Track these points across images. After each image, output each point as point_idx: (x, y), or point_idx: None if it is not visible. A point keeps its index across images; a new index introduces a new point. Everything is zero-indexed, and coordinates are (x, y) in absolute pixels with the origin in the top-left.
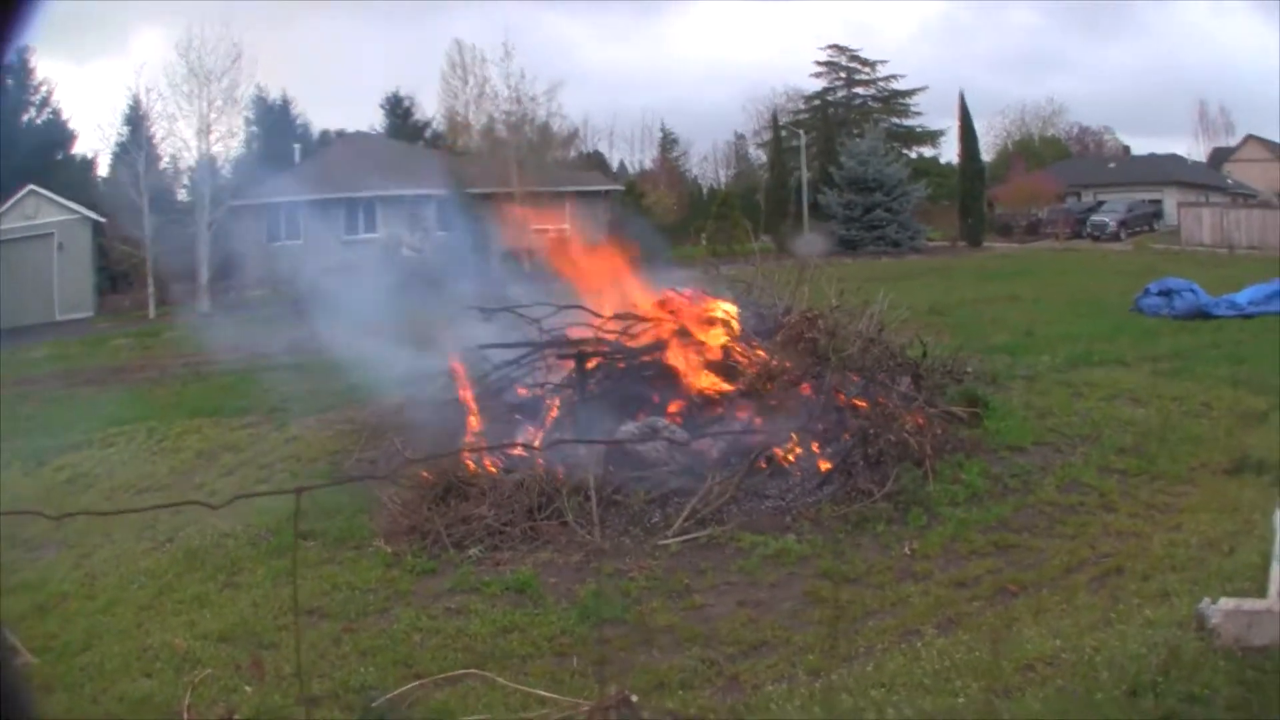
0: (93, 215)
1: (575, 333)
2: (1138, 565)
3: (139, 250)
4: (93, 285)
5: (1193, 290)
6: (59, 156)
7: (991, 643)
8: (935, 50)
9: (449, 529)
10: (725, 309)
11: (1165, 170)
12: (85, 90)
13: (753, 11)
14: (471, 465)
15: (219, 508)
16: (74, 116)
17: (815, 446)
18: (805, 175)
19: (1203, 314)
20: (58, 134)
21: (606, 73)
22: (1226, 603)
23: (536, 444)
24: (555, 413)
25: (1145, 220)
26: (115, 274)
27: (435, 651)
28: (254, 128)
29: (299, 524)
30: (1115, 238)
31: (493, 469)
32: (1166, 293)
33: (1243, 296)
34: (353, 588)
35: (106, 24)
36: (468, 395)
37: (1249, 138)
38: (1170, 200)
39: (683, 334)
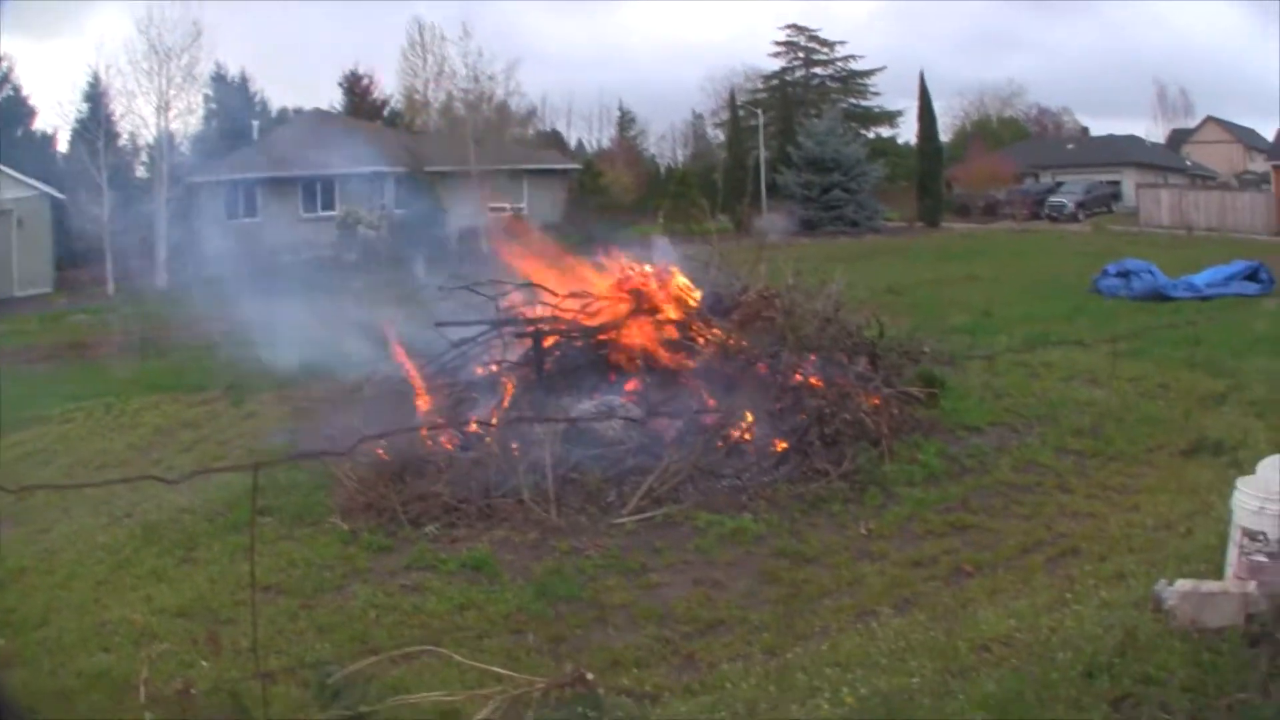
0: (52, 192)
1: (532, 311)
2: (1094, 546)
3: (98, 227)
4: (51, 261)
5: (1151, 272)
6: (18, 133)
7: (947, 623)
8: (894, 30)
9: (405, 506)
10: (682, 284)
11: (1124, 151)
12: (45, 66)
13: None
14: (429, 443)
15: (177, 483)
16: (33, 93)
17: (772, 426)
18: (763, 155)
19: (1161, 295)
20: (17, 110)
21: (564, 51)
22: (1183, 584)
23: (493, 419)
24: (512, 391)
25: (1103, 201)
26: (74, 250)
27: (391, 628)
28: (213, 105)
29: (257, 500)
30: (1073, 219)
31: (449, 447)
32: (1124, 274)
33: (1201, 278)
34: (310, 564)
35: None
36: (414, 374)
37: (1208, 119)
38: (1129, 181)
39: (639, 313)
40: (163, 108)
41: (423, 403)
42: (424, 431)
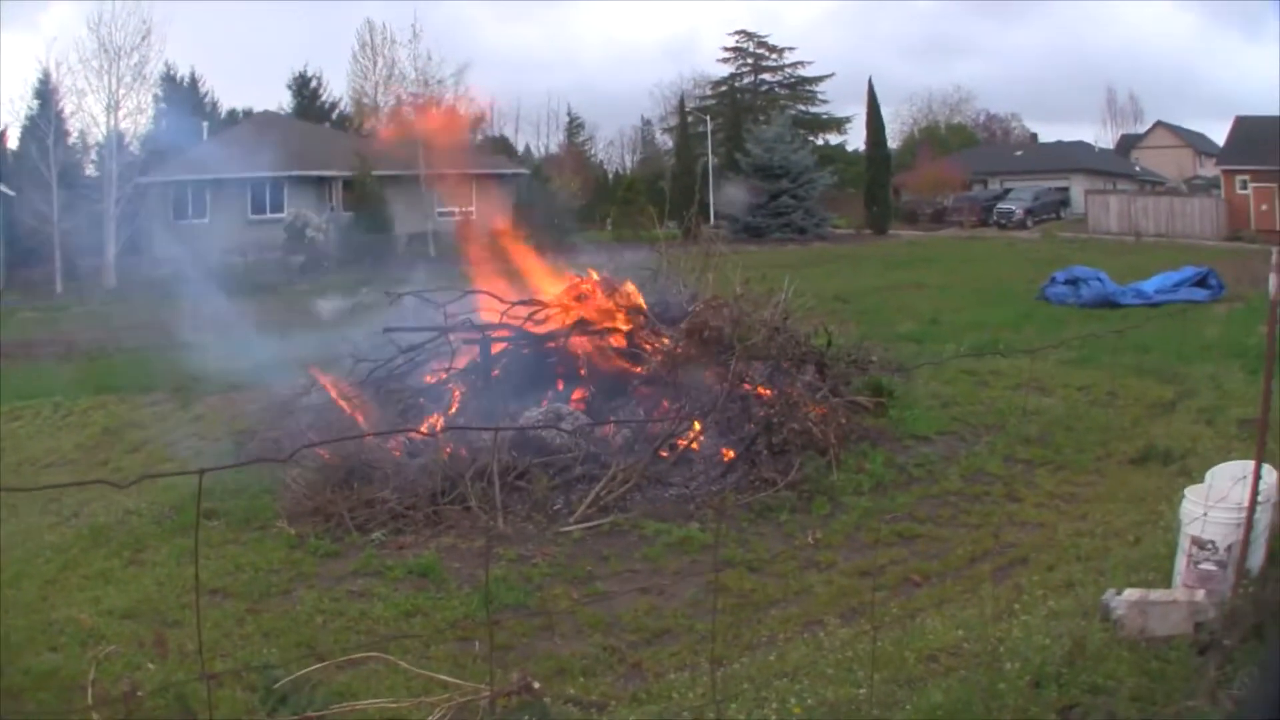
0: (2, 188)
1: (481, 317)
2: (1042, 555)
3: (47, 225)
4: (2, 259)
5: (1099, 279)
6: None
7: (895, 633)
8: (841, 36)
9: (352, 512)
10: (630, 292)
11: (1073, 158)
12: None
13: None
14: (376, 450)
15: (124, 487)
16: None
17: (719, 435)
18: (711, 161)
19: (1110, 303)
20: None
21: (511, 56)
22: (1131, 593)
23: (439, 425)
24: (459, 397)
25: (1052, 208)
26: (23, 248)
27: (338, 634)
28: (162, 105)
29: (203, 504)
30: (1022, 225)
31: (396, 452)
32: (1073, 281)
33: (1150, 285)
34: (256, 568)
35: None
36: (335, 394)
37: (1158, 124)
38: (1077, 188)
39: (588, 320)
40: (112, 107)
41: (360, 415)
42: (368, 438)
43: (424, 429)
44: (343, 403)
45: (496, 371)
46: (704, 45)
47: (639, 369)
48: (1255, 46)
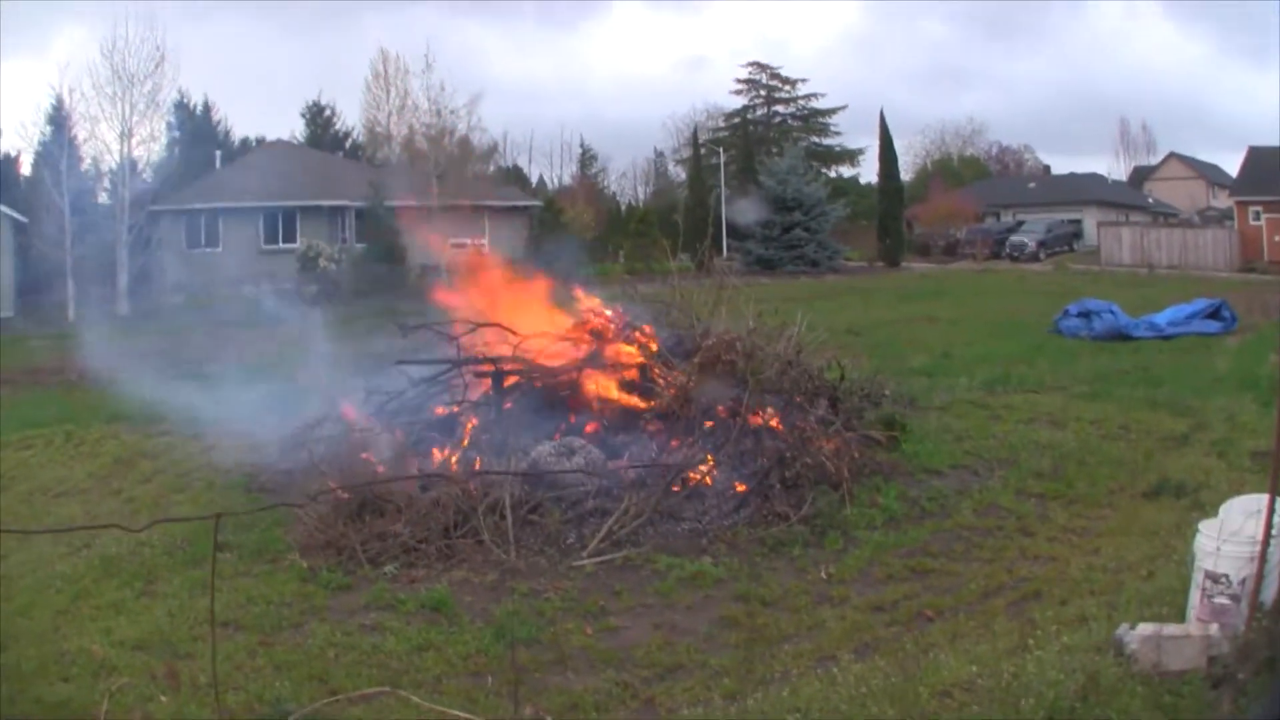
0: (14, 215)
1: (493, 350)
2: (1055, 590)
3: (60, 252)
4: (13, 285)
5: (1112, 311)
6: None
7: (908, 668)
8: (848, 67)
9: (365, 545)
10: (643, 330)
11: (1085, 189)
12: (8, 88)
13: (671, 28)
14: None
15: (138, 531)
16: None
17: (732, 469)
18: (724, 193)
19: (1122, 335)
20: None
21: (524, 88)
22: (1144, 627)
23: (453, 462)
24: (471, 430)
25: (1065, 240)
26: (36, 275)
27: (350, 668)
28: (176, 133)
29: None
30: (1034, 258)
31: (409, 487)
32: (1086, 314)
33: (1162, 317)
34: (268, 601)
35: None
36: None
37: (1171, 155)
38: (1090, 220)
39: (600, 354)
40: (126, 134)
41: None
42: (380, 471)
43: (446, 464)
44: (355, 436)
45: (509, 404)
46: (717, 76)
47: (652, 403)
48: (1264, 76)
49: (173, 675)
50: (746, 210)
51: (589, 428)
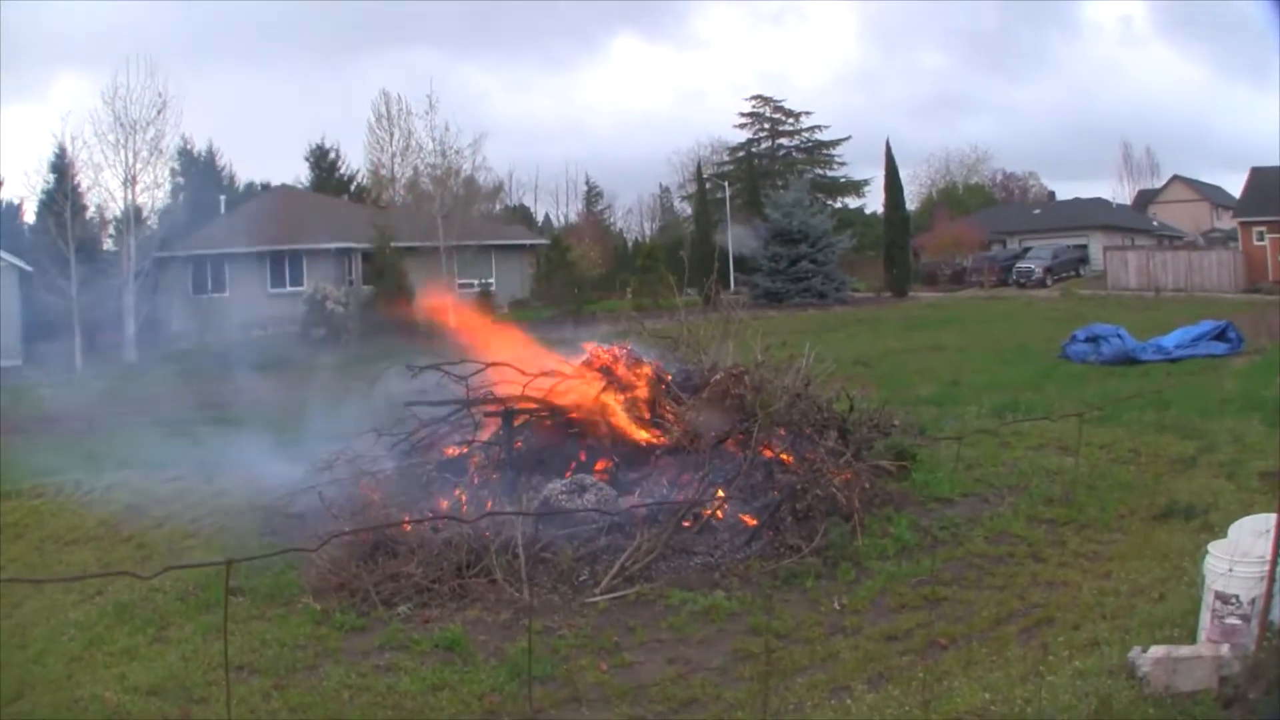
0: (19, 263)
1: (502, 390)
2: (1068, 615)
3: (65, 300)
4: (20, 334)
5: (1119, 335)
6: None
7: (922, 696)
8: (849, 99)
9: (377, 586)
10: (652, 366)
11: (1091, 214)
12: (11, 136)
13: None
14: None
15: (149, 578)
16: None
17: (743, 502)
18: (730, 227)
19: (1130, 359)
20: None
21: (528, 128)
22: (1156, 650)
23: (463, 500)
24: (482, 471)
25: (1071, 265)
26: (42, 323)
27: (365, 709)
28: (180, 179)
29: (229, 580)
30: (1041, 284)
31: (422, 526)
32: (1093, 339)
33: (1169, 340)
34: (282, 644)
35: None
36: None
37: (1175, 178)
38: (1096, 244)
39: (610, 391)
40: (129, 181)
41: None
42: (391, 515)
43: (458, 504)
44: (365, 479)
45: (519, 443)
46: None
47: (662, 439)
48: (1262, 96)
49: None
50: (752, 242)
51: (600, 465)
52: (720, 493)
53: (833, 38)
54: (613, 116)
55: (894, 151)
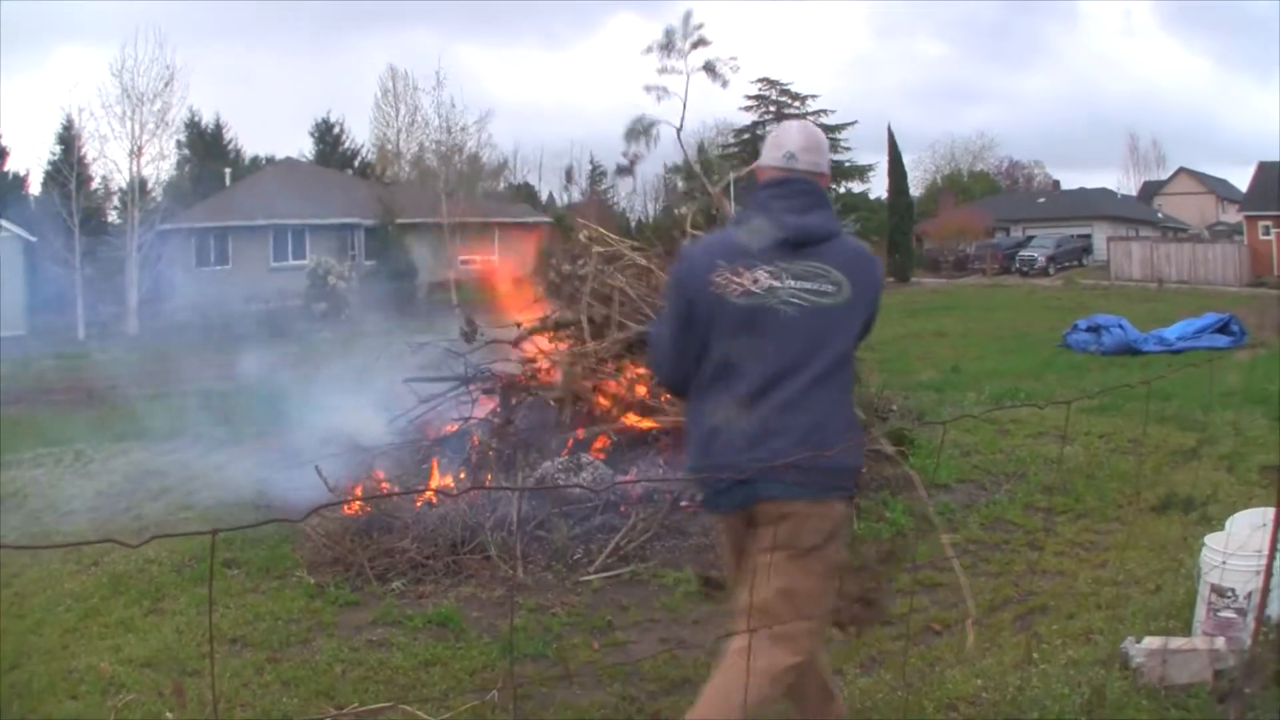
0: (24, 234)
1: (501, 367)
2: (1062, 604)
3: (69, 271)
4: (24, 304)
5: (1121, 326)
6: None
7: (913, 682)
8: (850, 86)
9: (372, 561)
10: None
11: (1095, 204)
12: (17, 107)
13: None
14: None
15: (135, 546)
16: (5, 133)
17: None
18: (734, 209)
19: (1131, 350)
20: None
21: (531, 109)
22: (1150, 641)
23: (461, 477)
24: (479, 447)
25: (1074, 255)
26: (46, 294)
27: (357, 683)
28: (185, 151)
29: (222, 555)
30: (1044, 273)
31: (417, 502)
32: (1095, 329)
33: (1171, 332)
34: (276, 617)
35: (40, 41)
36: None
37: (1180, 170)
38: (1100, 235)
39: (608, 368)
40: (135, 152)
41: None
42: (386, 489)
43: (455, 480)
44: (363, 453)
45: (517, 420)
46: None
47: (660, 418)
48: (1267, 90)
49: (179, 692)
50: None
51: (597, 443)
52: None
53: (835, 24)
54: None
55: (898, 138)
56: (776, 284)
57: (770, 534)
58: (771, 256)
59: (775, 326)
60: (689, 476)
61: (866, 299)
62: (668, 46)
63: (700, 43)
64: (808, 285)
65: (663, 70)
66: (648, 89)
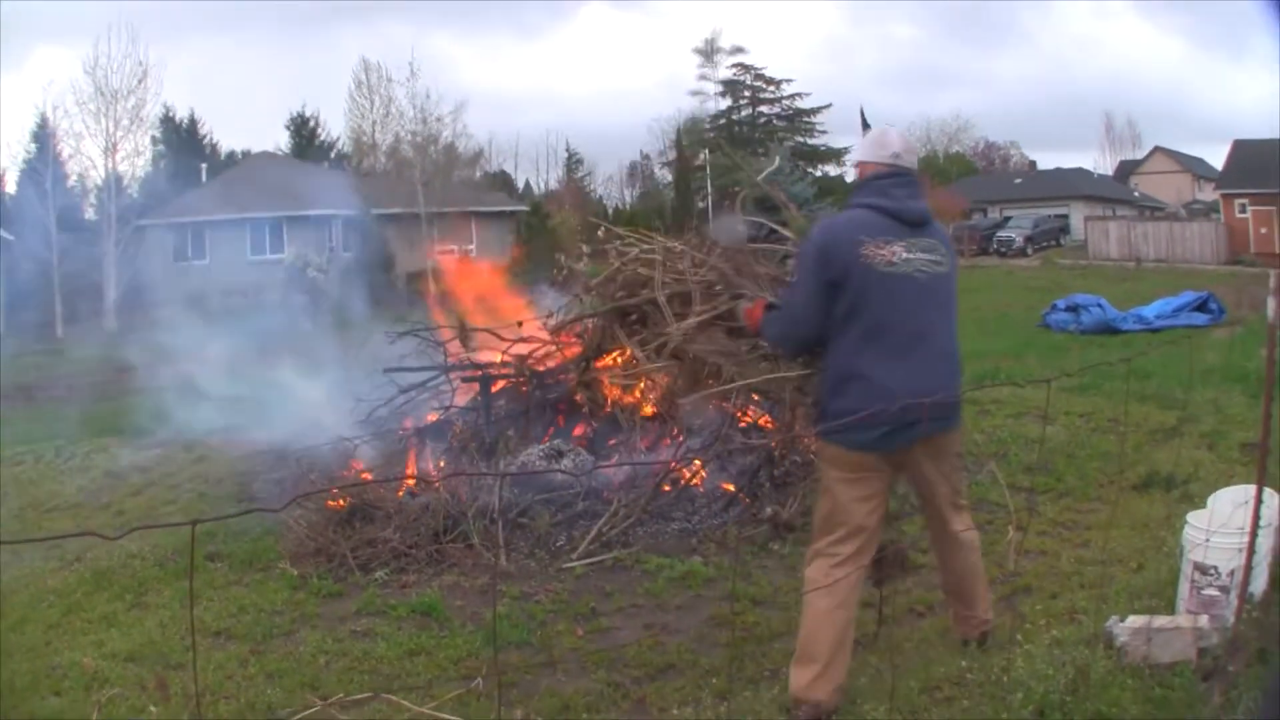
0: (1, 233)
1: (481, 356)
2: (1045, 584)
3: (46, 268)
4: (2, 303)
5: (1100, 305)
6: None
7: (897, 664)
8: (823, 70)
9: (355, 551)
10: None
11: (1072, 184)
12: None
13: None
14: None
15: (115, 539)
16: None
17: (721, 467)
18: (710, 195)
19: (1110, 329)
20: None
21: (506, 97)
22: (1134, 620)
23: (442, 466)
24: (460, 436)
25: (1052, 235)
26: (22, 292)
27: (341, 674)
28: (161, 147)
29: (205, 548)
30: (1022, 253)
31: (399, 492)
32: (1074, 308)
33: (1150, 310)
34: (259, 610)
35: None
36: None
37: (1156, 149)
38: (1077, 214)
39: (588, 356)
40: (110, 149)
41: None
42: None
43: (436, 469)
44: (343, 444)
45: (496, 408)
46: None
47: (640, 404)
48: (1241, 69)
49: (163, 686)
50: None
51: (578, 430)
52: (698, 462)
53: (806, 7)
54: (590, 85)
55: (872, 121)
56: (910, 255)
57: (933, 460)
58: (902, 233)
59: (914, 291)
60: (853, 420)
61: (956, 268)
62: (708, 53)
63: (737, 50)
64: (927, 257)
65: (702, 78)
66: (692, 94)
